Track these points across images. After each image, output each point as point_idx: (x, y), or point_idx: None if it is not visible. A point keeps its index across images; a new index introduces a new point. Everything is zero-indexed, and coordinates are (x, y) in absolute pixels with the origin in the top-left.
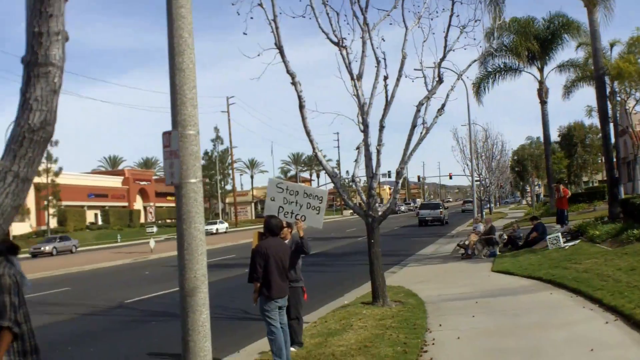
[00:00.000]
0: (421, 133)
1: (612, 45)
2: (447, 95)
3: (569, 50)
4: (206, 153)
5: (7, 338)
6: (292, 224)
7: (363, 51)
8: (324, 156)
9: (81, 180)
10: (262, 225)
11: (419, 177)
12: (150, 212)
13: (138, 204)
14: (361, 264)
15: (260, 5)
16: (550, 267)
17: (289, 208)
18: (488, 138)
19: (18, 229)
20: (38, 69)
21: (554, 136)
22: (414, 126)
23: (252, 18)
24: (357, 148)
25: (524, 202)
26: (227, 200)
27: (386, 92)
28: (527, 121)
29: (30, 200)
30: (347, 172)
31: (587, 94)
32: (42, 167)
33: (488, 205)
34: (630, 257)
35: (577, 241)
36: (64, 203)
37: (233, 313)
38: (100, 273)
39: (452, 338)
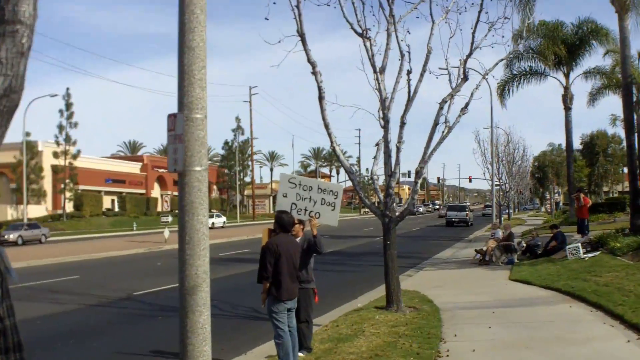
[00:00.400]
0: (443, 132)
1: (639, 56)
2: (472, 94)
3: (596, 57)
4: (226, 143)
5: None
6: (304, 221)
7: (387, 44)
8: (344, 152)
9: (99, 164)
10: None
11: (438, 179)
12: (166, 201)
13: (156, 192)
14: (377, 265)
15: None
16: (569, 279)
17: (302, 205)
18: (510, 142)
19: (34, 211)
20: (4, 27)
21: (576, 144)
22: (435, 124)
23: (274, 3)
24: (377, 144)
25: (543, 209)
26: (246, 192)
27: (409, 87)
28: (549, 127)
29: (47, 183)
30: (367, 169)
31: (611, 103)
32: (60, 149)
33: (507, 211)
34: None
35: (597, 253)
36: (81, 187)
37: (244, 311)
38: (112, 262)
39: (467, 350)
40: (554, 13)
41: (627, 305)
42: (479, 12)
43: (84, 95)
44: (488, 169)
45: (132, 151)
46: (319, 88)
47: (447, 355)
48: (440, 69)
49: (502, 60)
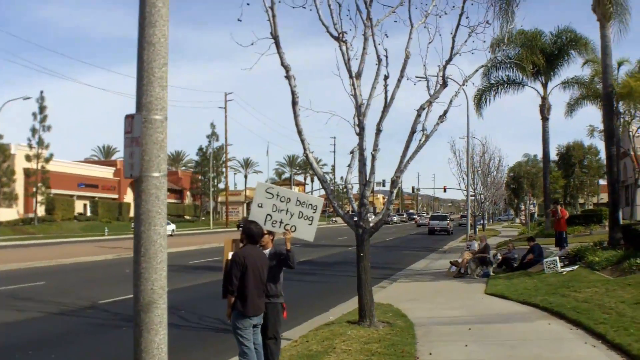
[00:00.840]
0: (420, 140)
1: (619, 64)
2: (451, 101)
3: (575, 67)
4: (201, 149)
5: None
6: (273, 232)
7: (364, 48)
8: (319, 160)
9: (72, 168)
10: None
11: (413, 188)
12: None
13: (129, 197)
14: (350, 275)
15: None
16: (547, 294)
17: (278, 217)
18: (485, 152)
19: (5, 215)
20: None
21: (553, 155)
22: (413, 132)
23: (248, 4)
24: (352, 152)
25: (518, 220)
26: (220, 199)
27: (386, 93)
28: (525, 138)
29: (19, 186)
30: (342, 178)
31: (589, 114)
32: (32, 152)
33: (482, 222)
34: (633, 289)
35: (575, 267)
36: (53, 191)
37: (211, 323)
38: (80, 268)
39: None
40: (534, 22)
41: (608, 324)
42: (460, 15)
43: (59, 99)
44: (463, 179)
45: (105, 156)
46: (293, 92)
47: None
48: (417, 77)
49: (482, 66)
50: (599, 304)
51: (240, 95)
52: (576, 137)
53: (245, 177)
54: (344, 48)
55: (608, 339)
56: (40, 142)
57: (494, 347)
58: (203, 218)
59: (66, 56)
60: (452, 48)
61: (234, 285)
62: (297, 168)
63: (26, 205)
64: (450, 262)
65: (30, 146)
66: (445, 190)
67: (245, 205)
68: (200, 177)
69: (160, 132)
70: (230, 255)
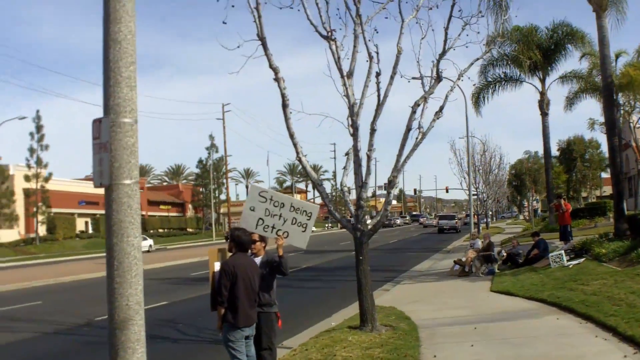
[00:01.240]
0: (417, 138)
1: (617, 55)
2: (446, 97)
3: (572, 61)
4: (200, 161)
5: None
6: (265, 238)
7: (355, 46)
8: (319, 167)
9: (72, 186)
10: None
11: (415, 190)
12: None
13: None
14: (353, 280)
15: None
16: (554, 288)
17: (271, 221)
18: (486, 151)
19: (6, 236)
20: None
21: (553, 150)
22: (408, 129)
23: (233, 6)
24: (347, 154)
25: (521, 217)
26: (222, 210)
27: (378, 91)
28: (525, 135)
29: (19, 207)
30: (346, 185)
31: (588, 107)
32: (31, 172)
33: (485, 220)
34: None
35: (582, 260)
36: (54, 210)
37: (209, 335)
38: (79, 285)
39: None
40: (528, 18)
41: (619, 316)
42: (452, 6)
43: (57, 117)
44: (465, 178)
45: None
46: (283, 95)
47: None
48: (413, 78)
49: (478, 59)
50: (608, 296)
51: (238, 106)
52: (576, 132)
53: (247, 187)
54: (333, 47)
55: (619, 331)
56: (39, 162)
57: (500, 346)
58: (206, 230)
59: (62, 74)
60: (445, 41)
61: (223, 296)
62: (299, 176)
63: (27, 225)
64: (454, 261)
65: (29, 166)
66: (447, 191)
67: None
68: (201, 189)
69: (130, 136)
70: (216, 266)
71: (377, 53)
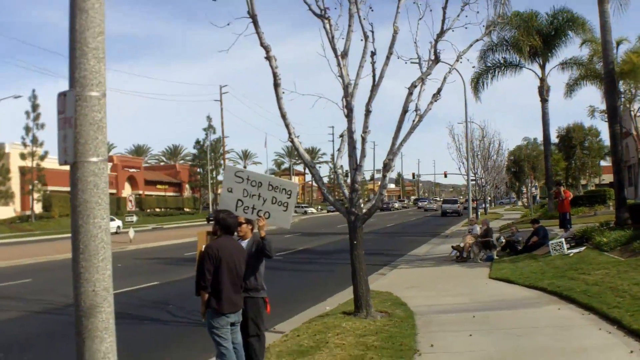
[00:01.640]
0: (414, 121)
1: (618, 43)
2: (444, 78)
3: (573, 48)
4: (198, 142)
5: None
6: (252, 220)
7: (350, 25)
8: (318, 150)
9: (68, 165)
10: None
11: (413, 175)
12: (130, 201)
13: (127, 192)
14: (350, 263)
15: None
16: (554, 277)
17: (250, 202)
18: (485, 137)
19: (1, 213)
20: None
21: (553, 137)
22: (405, 111)
23: None
24: (341, 136)
25: (520, 203)
26: (218, 190)
27: (373, 71)
28: (525, 121)
29: (15, 184)
30: (342, 166)
31: (588, 95)
32: (27, 150)
33: (483, 206)
34: None
35: (583, 248)
36: (50, 188)
37: (199, 318)
38: (70, 263)
39: None
40: (529, 3)
41: (623, 308)
42: None
43: (54, 95)
44: (463, 163)
45: None
46: (274, 74)
47: None
48: (410, 60)
49: (477, 40)
50: (611, 286)
51: (237, 89)
52: (576, 119)
53: (245, 168)
54: (327, 26)
55: (624, 324)
56: (35, 140)
57: (500, 336)
58: (204, 210)
59: (61, 55)
60: (444, 20)
61: (206, 281)
62: (297, 158)
63: (23, 203)
64: (452, 246)
65: (25, 144)
66: (445, 176)
67: None
68: (198, 169)
69: (97, 110)
70: (204, 248)
71: (372, 32)
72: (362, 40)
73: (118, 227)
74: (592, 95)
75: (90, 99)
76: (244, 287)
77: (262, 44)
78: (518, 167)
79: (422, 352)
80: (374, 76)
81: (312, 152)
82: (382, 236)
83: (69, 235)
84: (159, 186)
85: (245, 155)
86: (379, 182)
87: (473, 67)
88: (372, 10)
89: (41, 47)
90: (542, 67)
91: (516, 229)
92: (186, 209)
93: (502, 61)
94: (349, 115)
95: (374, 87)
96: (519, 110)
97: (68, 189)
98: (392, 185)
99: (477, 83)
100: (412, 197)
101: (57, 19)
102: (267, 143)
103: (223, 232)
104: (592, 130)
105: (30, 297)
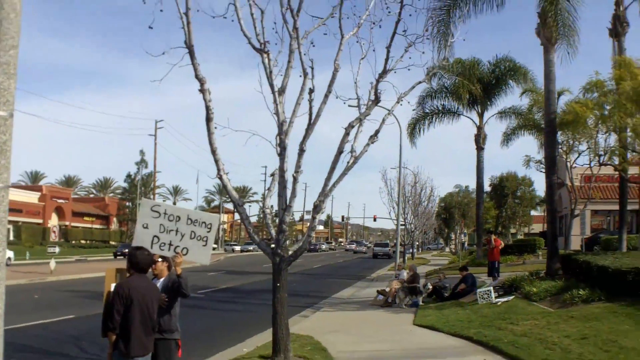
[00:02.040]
0: (348, 162)
1: (559, 94)
2: (383, 120)
3: (513, 97)
4: (129, 175)
5: None
6: (169, 258)
7: (289, 62)
8: (249, 189)
9: None
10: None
11: (342, 217)
12: (54, 232)
13: (53, 222)
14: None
15: None
16: (481, 326)
17: (167, 238)
18: (417, 182)
19: None
20: None
21: (485, 186)
22: (340, 152)
23: (161, 11)
24: (272, 175)
25: (447, 249)
26: None
27: (310, 109)
28: (458, 169)
29: None
30: (272, 206)
31: (524, 144)
32: None
33: (411, 251)
34: (578, 322)
35: (511, 297)
36: None
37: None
38: None
39: None
40: (475, 52)
41: None
42: (397, 22)
43: None
44: (394, 208)
45: (33, 181)
46: (207, 108)
47: None
48: (349, 100)
49: (420, 82)
50: (540, 338)
51: (172, 124)
52: (510, 168)
53: (174, 204)
54: (266, 60)
55: None
56: None
57: None
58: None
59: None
60: (387, 60)
61: (115, 322)
62: (227, 196)
63: None
64: (378, 290)
65: None
66: (375, 220)
67: None
68: (127, 203)
69: (2, 132)
70: (112, 287)
71: (312, 68)
72: (300, 76)
73: (9, 258)
74: (528, 145)
75: None
76: (157, 328)
77: (196, 76)
78: (448, 213)
79: None
80: (310, 114)
81: (244, 190)
82: (308, 277)
83: None
84: (86, 218)
85: (176, 191)
86: (308, 224)
87: (413, 109)
88: (314, 46)
89: None
90: (481, 116)
91: (444, 276)
92: (112, 242)
93: (440, 108)
94: (282, 154)
95: (310, 126)
96: (454, 157)
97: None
98: (321, 227)
99: (414, 129)
100: (342, 240)
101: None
102: (198, 180)
103: (135, 270)
104: (526, 180)
105: None
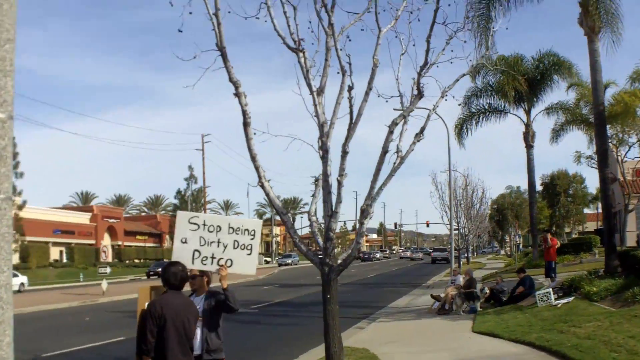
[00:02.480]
0: (394, 163)
1: (605, 86)
2: (428, 116)
3: (559, 92)
4: (179, 192)
5: None
6: (208, 272)
7: (326, 59)
8: (299, 200)
9: (47, 215)
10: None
11: (395, 224)
12: (104, 251)
13: (106, 242)
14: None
15: None
16: (542, 330)
17: (209, 251)
18: (468, 185)
19: None
20: None
21: (537, 185)
22: (385, 152)
23: (190, 13)
24: (316, 180)
25: (502, 252)
26: None
27: (351, 107)
28: (508, 169)
29: None
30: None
31: (572, 140)
32: None
33: (466, 255)
34: None
35: (571, 298)
36: (28, 238)
37: None
38: (40, 316)
39: None
40: (516, 47)
41: None
42: (435, 11)
43: (38, 147)
44: (446, 212)
45: (84, 202)
46: (244, 112)
47: None
48: (395, 109)
49: (464, 75)
50: (604, 340)
51: (219, 138)
52: (560, 166)
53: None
54: (302, 60)
55: None
56: (13, 189)
57: None
58: None
59: (47, 104)
60: (427, 51)
61: (148, 344)
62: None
63: None
64: (432, 295)
65: None
66: (428, 225)
67: None
68: None
69: (1, 136)
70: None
71: (350, 64)
72: (338, 73)
73: (22, 284)
74: (577, 140)
75: None
76: (205, 347)
77: (230, 79)
78: (501, 215)
79: None
80: (351, 113)
81: (294, 202)
82: (362, 287)
83: (45, 287)
84: (138, 237)
85: (227, 206)
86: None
87: (459, 104)
88: (350, 40)
89: (19, 94)
90: (528, 113)
91: (500, 279)
92: (166, 260)
93: (486, 107)
94: (325, 157)
95: (352, 126)
96: (503, 156)
97: (46, 239)
98: (374, 235)
99: (461, 129)
100: (396, 247)
101: (34, 64)
102: (249, 193)
103: (168, 287)
104: (577, 177)
105: None
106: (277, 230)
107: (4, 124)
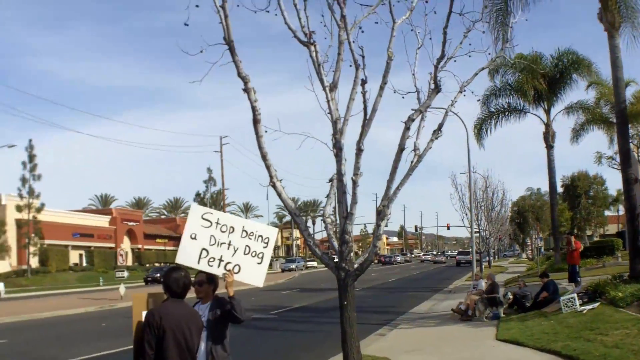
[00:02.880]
0: (412, 162)
1: (626, 84)
2: (446, 112)
3: (578, 91)
4: (198, 194)
5: None
6: (215, 278)
7: (339, 53)
8: (319, 203)
9: (66, 218)
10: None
11: (416, 227)
12: (121, 255)
13: (125, 245)
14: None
15: None
16: (568, 338)
17: (217, 252)
18: (488, 187)
19: None
20: None
21: (557, 186)
22: (401, 149)
23: (197, 6)
24: (330, 180)
25: (524, 255)
26: None
27: (365, 103)
28: (528, 170)
29: (12, 238)
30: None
31: (592, 141)
32: (23, 202)
33: (487, 259)
34: None
35: (596, 304)
36: (47, 242)
37: None
38: (54, 322)
39: None
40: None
41: None
42: (452, 1)
43: (58, 149)
44: (466, 214)
45: (103, 204)
46: (253, 109)
47: None
48: (412, 110)
49: (482, 69)
50: (633, 349)
51: (238, 140)
52: (580, 167)
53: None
54: (313, 53)
55: None
56: (31, 192)
57: None
58: None
59: (65, 106)
60: (444, 43)
61: (147, 357)
62: (299, 210)
63: (19, 256)
64: (453, 309)
65: (21, 196)
66: (448, 228)
67: None
68: None
69: None
70: (143, 315)
71: (363, 57)
72: (351, 66)
73: (1, 289)
74: (598, 141)
75: None
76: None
77: (239, 74)
78: (522, 217)
79: None
80: (365, 109)
81: (313, 204)
82: (383, 291)
83: (64, 290)
84: (158, 240)
85: (247, 208)
86: (385, 236)
87: (478, 100)
88: (362, 32)
89: (39, 97)
90: (547, 112)
91: (523, 283)
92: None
93: (505, 106)
94: (339, 155)
95: (366, 122)
96: (523, 157)
97: (66, 242)
98: (395, 239)
99: (481, 129)
100: (417, 250)
101: (57, 67)
102: (268, 196)
103: (169, 294)
104: (598, 178)
105: None
106: (297, 233)
107: None
